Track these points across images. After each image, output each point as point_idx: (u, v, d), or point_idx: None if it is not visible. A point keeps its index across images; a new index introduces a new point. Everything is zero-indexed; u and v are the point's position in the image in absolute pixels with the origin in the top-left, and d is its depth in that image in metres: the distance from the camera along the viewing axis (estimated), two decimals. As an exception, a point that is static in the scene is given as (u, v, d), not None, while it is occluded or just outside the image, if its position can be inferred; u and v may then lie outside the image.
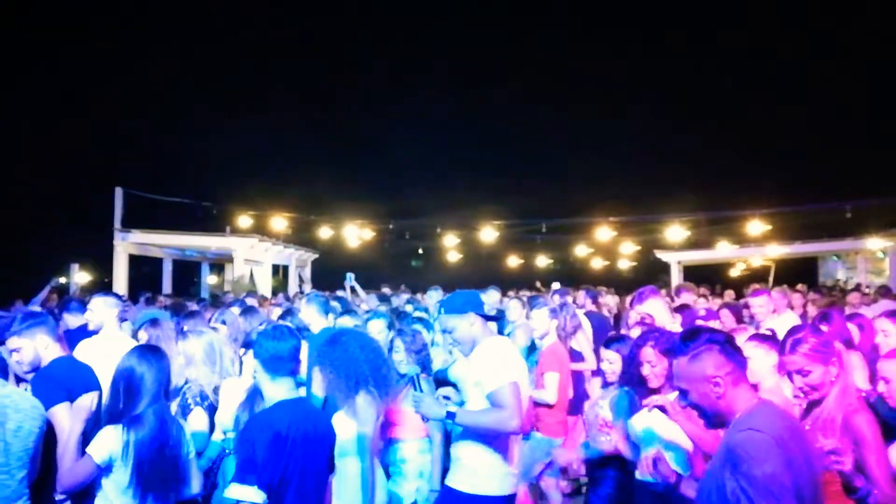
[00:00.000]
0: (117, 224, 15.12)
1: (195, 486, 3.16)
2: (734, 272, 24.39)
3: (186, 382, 3.96)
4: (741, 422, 2.15)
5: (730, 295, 12.81)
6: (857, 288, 12.33)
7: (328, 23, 30.57)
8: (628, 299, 7.48)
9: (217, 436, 3.82)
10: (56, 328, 3.80)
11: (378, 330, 5.08)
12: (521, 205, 22.77)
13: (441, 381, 4.70)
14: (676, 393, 2.46)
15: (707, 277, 17.49)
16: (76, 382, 3.54)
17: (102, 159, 23.02)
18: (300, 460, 2.63)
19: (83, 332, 5.02)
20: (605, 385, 4.15)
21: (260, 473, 2.51)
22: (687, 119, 27.50)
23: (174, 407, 3.65)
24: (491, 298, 7.78)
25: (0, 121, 22.36)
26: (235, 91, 27.99)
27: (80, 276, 16.13)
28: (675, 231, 18.05)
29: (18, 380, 3.67)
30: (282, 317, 6.25)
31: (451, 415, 3.27)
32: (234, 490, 2.51)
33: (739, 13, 27.58)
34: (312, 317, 5.40)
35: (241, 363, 4.38)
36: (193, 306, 7.78)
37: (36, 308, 7.54)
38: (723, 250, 20.68)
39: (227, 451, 3.76)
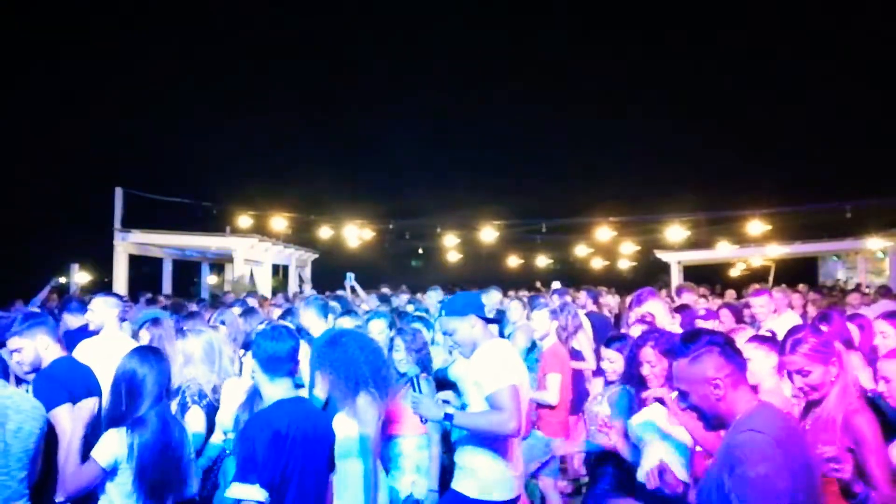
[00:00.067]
0: (117, 224, 15.11)
1: (193, 485, 3.16)
2: (734, 272, 24.40)
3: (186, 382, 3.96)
4: (741, 423, 2.15)
5: (731, 295, 12.80)
6: (857, 288, 12.33)
7: (328, 23, 30.59)
8: (628, 299, 7.48)
9: (218, 436, 3.83)
10: (56, 328, 3.81)
11: (379, 330, 5.08)
12: (521, 205, 22.78)
13: (441, 380, 4.71)
14: (676, 393, 2.46)
15: (707, 277, 17.49)
16: (77, 383, 3.55)
17: (102, 159, 23.04)
18: (300, 459, 2.63)
19: (84, 333, 5.02)
20: (607, 384, 4.16)
21: (261, 472, 2.51)
22: (687, 119, 27.52)
23: (174, 406, 3.65)
24: (492, 299, 7.78)
25: (0, 121, 22.37)
26: (235, 91, 28.00)
27: (80, 276, 16.13)
28: (675, 231, 18.05)
29: (18, 381, 3.67)
30: (282, 317, 6.25)
31: (448, 416, 3.28)
32: (236, 489, 2.51)
33: (739, 13, 27.59)
34: (312, 320, 5.40)
35: (241, 363, 4.38)
36: (193, 307, 7.78)
37: (36, 308, 7.55)
38: (723, 250, 20.68)
39: (227, 451, 3.76)
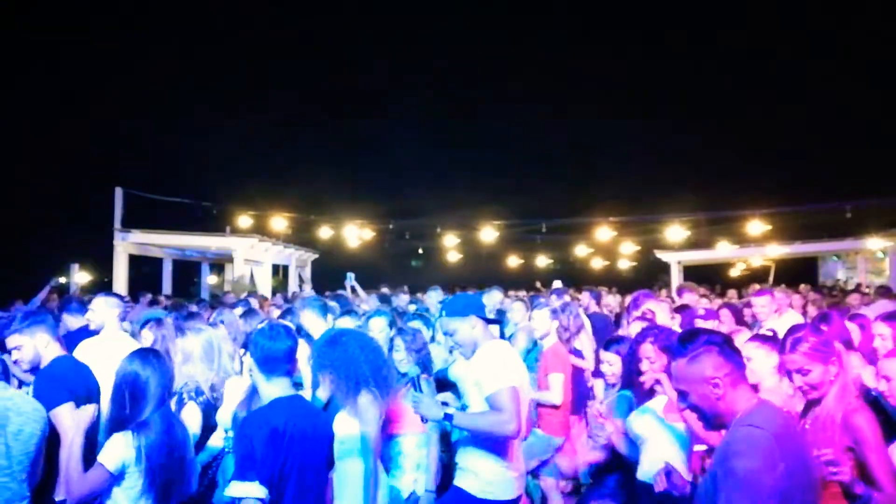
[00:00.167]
0: (117, 224, 15.11)
1: (194, 483, 3.16)
2: (734, 272, 24.42)
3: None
4: (741, 421, 2.16)
5: (732, 295, 12.81)
6: (857, 288, 12.34)
7: (328, 23, 30.60)
8: (628, 299, 7.48)
9: (219, 433, 3.83)
10: (56, 327, 3.81)
11: (379, 328, 5.08)
12: (521, 205, 22.82)
13: (441, 380, 4.71)
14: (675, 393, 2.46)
15: (707, 277, 17.50)
16: (78, 382, 3.55)
17: (102, 159, 23.05)
18: (298, 456, 2.63)
19: (84, 333, 5.02)
20: (607, 387, 4.16)
21: (260, 469, 2.51)
22: (687, 119, 27.54)
23: (172, 404, 3.65)
24: (493, 299, 7.77)
25: (0, 121, 22.37)
26: (235, 91, 28.01)
27: (80, 276, 16.13)
28: (675, 231, 18.05)
29: (20, 383, 3.68)
30: (281, 316, 6.25)
31: (448, 416, 3.28)
32: (236, 488, 2.51)
33: (739, 13, 27.60)
34: (311, 321, 5.39)
35: (241, 363, 4.38)
36: (193, 307, 7.78)
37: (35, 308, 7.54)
38: (723, 250, 20.68)
39: (226, 449, 3.77)
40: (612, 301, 10.67)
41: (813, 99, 25.35)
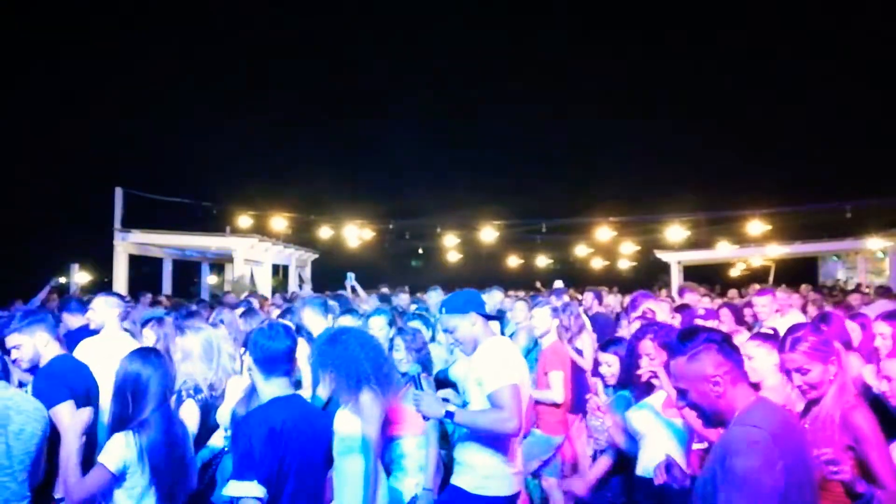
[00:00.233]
0: (117, 224, 15.11)
1: (194, 481, 3.16)
2: (734, 272, 24.43)
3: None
4: (739, 419, 2.16)
5: (733, 295, 12.80)
6: (858, 288, 12.34)
7: (328, 23, 30.62)
8: (628, 299, 7.47)
9: (219, 432, 3.83)
10: (56, 326, 3.80)
11: (379, 327, 5.08)
12: (521, 205, 22.84)
13: (441, 381, 4.70)
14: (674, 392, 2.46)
15: (707, 277, 17.52)
16: (77, 381, 3.55)
17: (102, 159, 23.07)
18: (297, 455, 2.63)
19: (84, 333, 5.01)
20: (606, 387, 4.16)
21: (258, 468, 2.51)
22: (687, 119, 27.57)
23: (172, 403, 3.64)
24: (493, 299, 7.77)
25: (0, 121, 22.38)
26: (235, 91, 28.04)
27: (80, 276, 16.13)
28: (675, 231, 18.05)
29: (18, 383, 3.68)
30: (281, 315, 6.25)
31: (450, 414, 3.27)
32: (234, 487, 2.50)
33: (739, 13, 27.62)
34: (312, 319, 5.39)
35: (241, 361, 4.38)
36: (193, 308, 7.78)
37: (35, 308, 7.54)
38: (723, 250, 20.69)
39: (226, 448, 3.77)
40: (612, 301, 10.68)
41: (813, 99, 25.40)
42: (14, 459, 2.95)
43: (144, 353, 3.12)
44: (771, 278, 18.89)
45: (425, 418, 3.54)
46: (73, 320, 5.63)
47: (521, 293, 11.21)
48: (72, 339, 4.72)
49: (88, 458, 3.02)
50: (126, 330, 5.03)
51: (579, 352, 6.28)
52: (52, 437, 3.23)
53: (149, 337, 4.45)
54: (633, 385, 3.76)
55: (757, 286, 10.43)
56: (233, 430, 3.35)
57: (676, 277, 19.59)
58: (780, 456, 2.03)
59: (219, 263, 20.31)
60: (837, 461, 2.48)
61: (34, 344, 3.56)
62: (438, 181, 28.83)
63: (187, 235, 16.62)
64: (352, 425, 3.36)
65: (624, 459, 3.81)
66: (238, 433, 2.70)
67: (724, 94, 27.74)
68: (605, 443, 3.96)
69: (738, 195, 19.55)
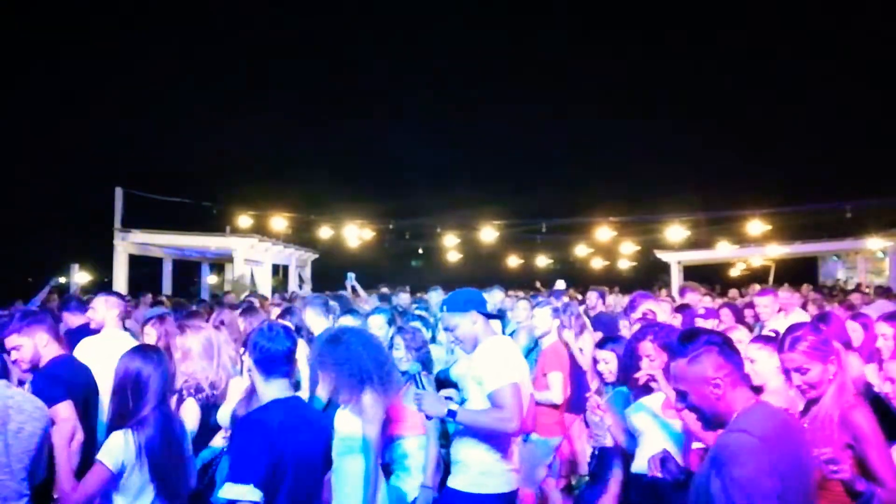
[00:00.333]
0: (117, 224, 15.11)
1: (193, 480, 3.16)
2: (734, 272, 24.42)
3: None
4: (734, 424, 2.16)
5: (734, 295, 12.80)
6: (858, 288, 12.34)
7: (328, 23, 30.61)
8: (628, 298, 7.46)
9: (221, 433, 3.83)
10: (55, 326, 3.80)
11: (378, 326, 5.08)
12: (521, 205, 22.88)
13: (442, 380, 4.70)
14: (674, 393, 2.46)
15: (707, 277, 17.52)
16: (77, 381, 3.55)
17: (102, 159, 23.06)
18: (294, 458, 2.61)
19: (85, 332, 5.01)
20: (605, 385, 4.16)
21: (254, 471, 2.49)
22: (687, 119, 27.58)
23: (172, 402, 3.64)
24: (494, 298, 7.77)
25: (0, 121, 22.39)
26: (235, 91, 28.05)
27: (80, 276, 16.15)
28: (675, 231, 18.05)
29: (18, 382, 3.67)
30: (281, 315, 6.25)
31: (451, 413, 3.27)
32: (229, 490, 2.49)
33: (739, 13, 27.63)
34: (314, 320, 5.39)
35: (241, 364, 4.37)
36: (193, 308, 7.78)
37: (35, 308, 7.54)
38: (723, 250, 20.69)
39: (225, 449, 3.76)
40: (612, 301, 10.67)
41: (813, 99, 25.40)
42: (13, 458, 2.94)
43: (145, 351, 3.12)
44: (771, 278, 18.90)
45: (428, 417, 3.53)
46: (73, 320, 5.63)
47: (521, 293, 11.20)
48: (72, 338, 4.72)
49: (89, 457, 3.01)
50: (128, 329, 5.03)
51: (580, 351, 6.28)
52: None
53: (150, 335, 4.45)
54: (631, 384, 3.76)
55: (757, 286, 10.43)
56: (231, 432, 3.34)
57: (676, 277, 19.59)
58: (772, 461, 2.03)
59: (219, 263, 20.31)
60: (837, 460, 2.48)
61: (34, 344, 3.56)
62: (438, 181, 28.84)
63: (187, 235, 16.62)
64: (352, 425, 3.35)
65: (619, 455, 3.82)
66: (236, 435, 2.69)
67: (724, 94, 27.77)
68: (605, 439, 3.96)
69: (738, 195, 19.57)
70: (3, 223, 21.56)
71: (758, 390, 3.27)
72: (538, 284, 15.95)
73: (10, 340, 3.56)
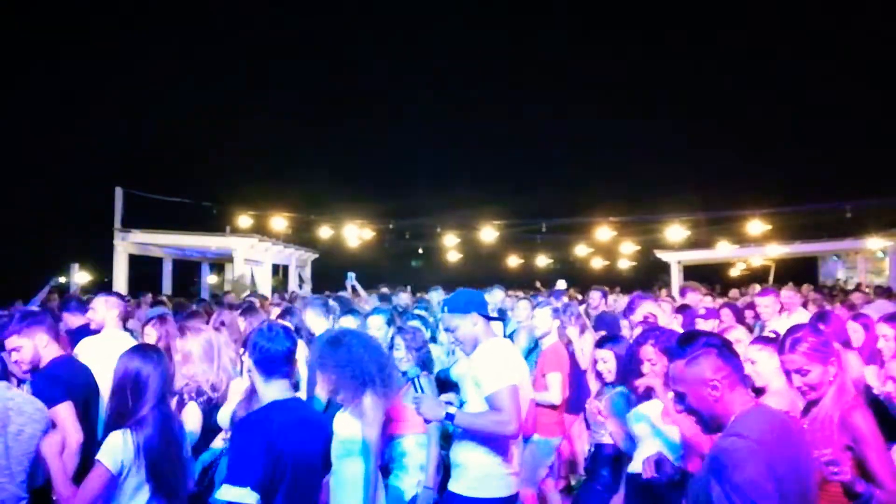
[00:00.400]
0: (117, 224, 15.11)
1: (190, 481, 3.15)
2: (734, 272, 24.42)
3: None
4: (730, 428, 2.16)
5: (735, 295, 12.79)
6: (858, 288, 12.34)
7: (328, 23, 30.62)
8: (627, 298, 7.45)
9: (221, 435, 3.82)
10: (55, 327, 3.79)
11: (377, 326, 5.07)
12: (521, 205, 22.87)
13: (442, 380, 4.70)
14: (672, 394, 2.45)
15: (707, 277, 17.53)
16: (77, 382, 3.54)
17: (102, 159, 23.06)
18: (293, 460, 2.61)
19: (85, 332, 5.01)
20: (605, 385, 4.16)
21: (252, 474, 2.48)
22: (687, 119, 27.57)
23: (172, 403, 3.64)
24: (495, 298, 7.76)
25: (0, 121, 22.38)
26: (235, 91, 28.05)
27: (80, 276, 16.15)
28: (675, 231, 18.05)
29: (17, 382, 3.67)
30: (281, 316, 6.25)
31: (449, 416, 3.26)
32: (226, 491, 2.48)
33: (739, 13, 27.64)
34: (314, 321, 5.38)
35: (241, 364, 4.37)
36: (193, 308, 7.78)
37: (35, 308, 7.54)
38: (723, 250, 20.69)
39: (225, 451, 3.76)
40: (613, 301, 10.66)
41: (813, 99, 25.38)
42: (12, 461, 2.94)
43: (144, 350, 3.11)
44: (771, 278, 18.90)
45: (426, 421, 3.53)
46: (73, 320, 5.63)
47: (521, 293, 11.21)
48: (72, 339, 4.72)
49: (89, 458, 3.00)
50: (129, 330, 5.03)
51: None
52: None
53: (150, 335, 4.44)
54: (630, 387, 3.76)
55: (758, 287, 10.43)
56: (231, 433, 3.34)
57: (676, 277, 19.59)
58: (770, 464, 2.03)
59: (219, 263, 20.31)
60: (837, 462, 2.48)
61: (34, 345, 3.55)
62: (438, 181, 28.85)
63: (187, 235, 16.62)
64: (352, 428, 3.35)
65: (616, 453, 3.83)
66: (235, 436, 2.68)
67: (724, 94, 27.77)
68: (602, 437, 3.97)
69: (738, 195, 19.57)
70: (3, 223, 21.56)
71: (760, 391, 3.27)
72: (538, 284, 15.94)
73: (11, 342, 3.56)
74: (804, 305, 8.94)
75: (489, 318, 3.59)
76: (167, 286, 17.57)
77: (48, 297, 9.44)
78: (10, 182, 22.48)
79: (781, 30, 27.08)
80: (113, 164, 21.71)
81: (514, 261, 24.78)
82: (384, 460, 3.90)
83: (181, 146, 24.33)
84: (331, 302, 6.30)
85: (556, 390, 5.24)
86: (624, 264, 24.46)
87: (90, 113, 25.83)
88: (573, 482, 6.10)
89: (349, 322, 5.33)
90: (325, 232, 18.78)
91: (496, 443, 3.35)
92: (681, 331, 4.59)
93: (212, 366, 3.98)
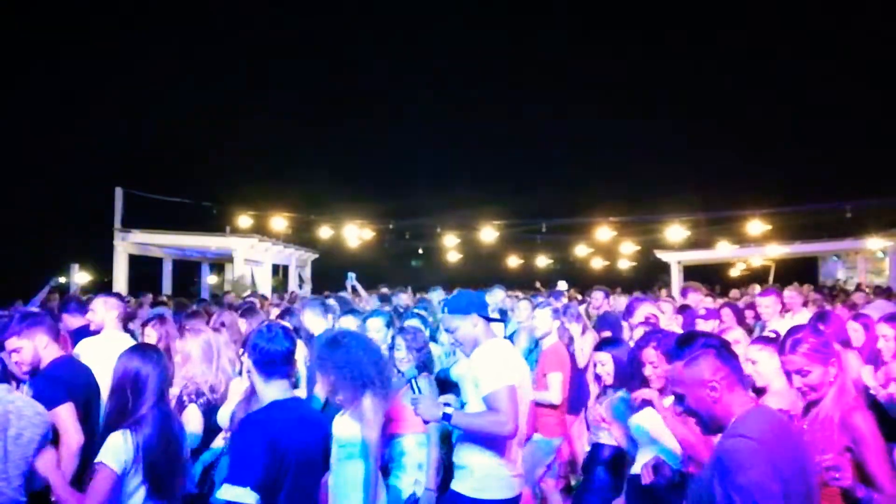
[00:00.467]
0: (117, 224, 15.12)
1: (189, 481, 3.15)
2: (734, 272, 24.43)
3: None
4: (731, 429, 2.15)
5: (736, 295, 12.78)
6: (858, 288, 12.34)
7: (328, 23, 30.64)
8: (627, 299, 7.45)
9: (221, 435, 3.82)
10: (55, 327, 3.79)
11: (376, 328, 5.07)
12: (521, 205, 22.89)
13: (442, 381, 4.70)
14: (671, 398, 2.45)
15: (707, 277, 17.53)
16: (77, 383, 3.54)
17: (102, 159, 23.08)
18: (293, 460, 2.61)
19: (84, 333, 5.01)
20: (604, 388, 4.16)
21: (252, 474, 2.48)
22: (687, 119, 27.59)
23: (172, 403, 3.64)
24: (495, 298, 7.76)
25: (0, 121, 22.39)
26: (235, 91, 28.06)
27: (80, 276, 16.15)
28: (675, 231, 18.06)
29: (17, 382, 3.66)
30: (280, 316, 6.25)
31: (447, 416, 3.26)
32: (227, 491, 2.48)
33: (739, 13, 27.65)
34: (313, 321, 5.38)
35: (241, 365, 4.37)
36: (193, 308, 7.78)
37: (35, 308, 7.53)
38: (723, 250, 20.70)
39: (226, 451, 3.76)
40: (613, 301, 10.65)
41: (813, 99, 25.39)
42: (11, 464, 2.93)
43: (143, 350, 3.11)
44: (771, 278, 18.90)
45: (425, 421, 3.53)
46: (73, 321, 5.62)
47: (521, 294, 11.21)
48: (72, 339, 4.72)
49: (89, 459, 2.99)
50: (129, 330, 5.02)
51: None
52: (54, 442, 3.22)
53: (150, 336, 4.44)
54: (629, 390, 3.76)
55: (758, 287, 10.43)
56: (231, 433, 3.34)
57: (676, 277, 19.61)
58: (774, 464, 2.02)
59: (219, 263, 20.32)
60: (839, 467, 2.48)
61: (34, 346, 3.55)
62: (438, 181, 28.87)
63: (187, 235, 16.63)
64: (351, 430, 3.34)
65: (615, 453, 3.82)
66: (235, 436, 2.68)
67: (724, 94, 27.79)
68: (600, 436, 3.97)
69: (738, 195, 19.58)
70: (3, 223, 21.57)
71: (761, 392, 3.27)
72: (538, 285, 15.94)
73: (11, 343, 3.55)
74: (804, 305, 8.96)
75: (490, 319, 3.59)
76: (167, 286, 17.57)
77: (48, 298, 9.43)
78: (10, 182, 22.51)
79: (781, 30, 27.12)
80: (113, 164, 21.76)
81: (514, 261, 24.79)
82: (384, 460, 3.90)
83: (181, 146, 24.36)
84: (331, 301, 6.30)
85: (556, 390, 5.24)
86: (624, 264, 24.47)
87: (90, 113, 25.87)
88: (573, 482, 6.10)
89: (349, 322, 5.32)
90: (325, 232, 18.79)
91: (498, 443, 3.35)
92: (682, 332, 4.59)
93: (211, 367, 3.98)
